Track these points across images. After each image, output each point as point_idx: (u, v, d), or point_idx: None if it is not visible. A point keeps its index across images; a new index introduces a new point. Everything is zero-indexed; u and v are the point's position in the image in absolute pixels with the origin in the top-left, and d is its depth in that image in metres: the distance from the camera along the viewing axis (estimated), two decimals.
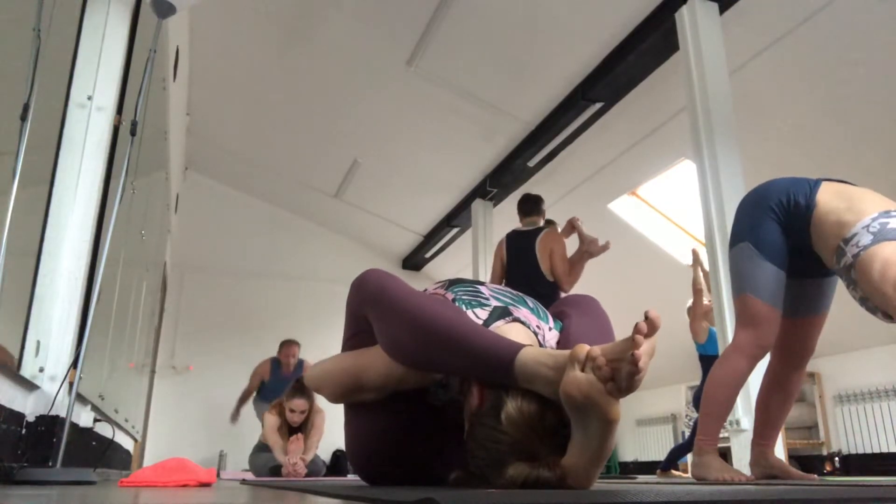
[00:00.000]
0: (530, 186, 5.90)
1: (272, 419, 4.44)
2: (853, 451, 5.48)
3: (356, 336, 1.46)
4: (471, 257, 6.71)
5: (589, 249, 3.87)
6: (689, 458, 5.09)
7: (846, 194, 1.95)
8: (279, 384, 5.53)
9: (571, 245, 4.00)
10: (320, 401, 4.53)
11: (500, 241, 4.20)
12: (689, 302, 4.88)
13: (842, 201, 1.94)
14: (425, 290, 1.52)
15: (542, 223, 4.08)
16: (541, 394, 1.09)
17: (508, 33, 4.54)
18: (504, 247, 4.10)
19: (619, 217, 5.91)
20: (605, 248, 3.89)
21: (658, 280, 5.95)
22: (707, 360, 4.71)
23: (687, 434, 6.81)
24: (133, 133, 2.47)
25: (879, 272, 1.75)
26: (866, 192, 1.96)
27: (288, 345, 5.79)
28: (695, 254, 4.86)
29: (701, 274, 4.79)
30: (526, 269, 3.90)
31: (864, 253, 1.80)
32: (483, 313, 1.37)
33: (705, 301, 4.74)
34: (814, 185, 2.01)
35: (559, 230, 4.06)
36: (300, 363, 5.74)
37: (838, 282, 2.11)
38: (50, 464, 2.06)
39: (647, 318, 0.98)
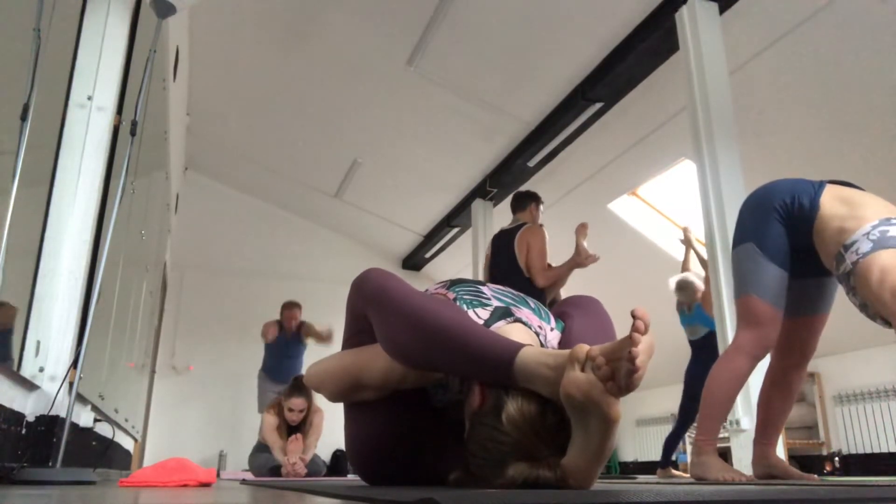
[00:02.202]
0: (530, 186, 5.89)
1: (271, 419, 4.44)
2: (853, 451, 5.48)
3: (357, 335, 1.46)
4: (471, 257, 6.71)
5: (578, 261, 3.84)
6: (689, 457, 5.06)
7: (849, 199, 1.95)
8: (282, 345, 5.88)
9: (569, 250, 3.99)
10: (318, 400, 4.53)
11: (490, 241, 4.24)
12: (676, 279, 4.86)
13: (844, 207, 1.94)
14: (426, 290, 1.52)
15: (528, 221, 4.08)
16: (541, 394, 1.09)
17: (508, 33, 4.54)
18: (490, 246, 4.14)
19: (619, 217, 5.92)
20: (592, 260, 3.88)
21: (658, 280, 5.94)
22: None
23: (687, 433, 6.81)
24: (133, 133, 2.47)
25: (878, 279, 1.76)
26: (869, 197, 1.96)
27: (290, 307, 5.95)
28: (687, 232, 4.90)
29: (694, 251, 4.84)
30: (504, 265, 3.90)
31: (863, 260, 1.81)
32: (484, 313, 1.37)
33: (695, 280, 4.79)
34: (818, 187, 2.01)
35: (544, 231, 4.06)
36: (301, 325, 5.96)
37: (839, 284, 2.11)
38: (50, 464, 2.06)
39: (635, 316, 0.98)
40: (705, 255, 4.63)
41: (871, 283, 1.77)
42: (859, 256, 1.82)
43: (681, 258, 5.16)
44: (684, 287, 4.82)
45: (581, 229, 3.95)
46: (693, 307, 4.83)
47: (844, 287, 1.92)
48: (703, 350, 4.60)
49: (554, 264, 3.93)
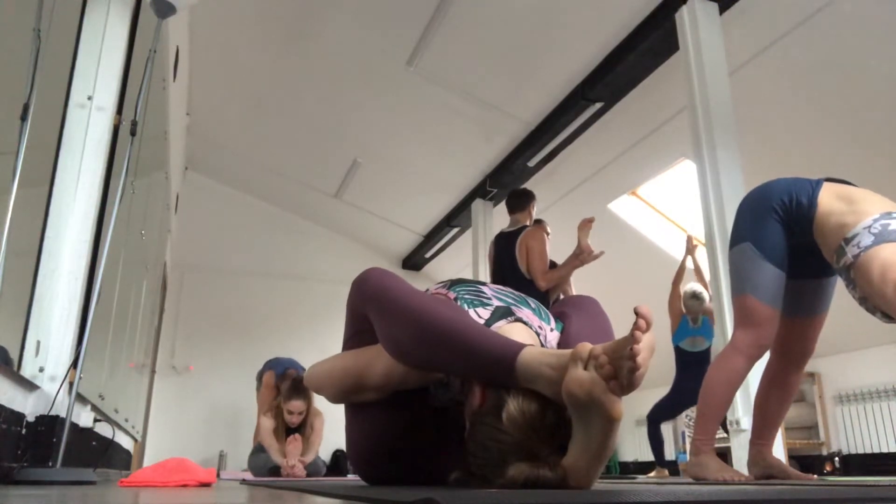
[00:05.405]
0: (530, 186, 5.89)
1: (268, 422, 4.41)
2: (853, 451, 5.48)
3: (357, 335, 1.46)
4: (471, 257, 6.71)
5: (580, 258, 3.80)
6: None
7: (847, 195, 1.95)
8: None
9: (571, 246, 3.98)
10: (318, 402, 4.51)
11: (491, 242, 4.22)
12: (694, 286, 4.89)
13: (843, 203, 1.94)
14: (427, 290, 1.52)
15: (527, 222, 4.07)
16: (542, 393, 1.09)
17: (508, 33, 4.54)
18: (492, 248, 4.13)
19: (619, 217, 5.91)
20: (596, 256, 3.84)
21: (658, 280, 5.95)
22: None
23: (687, 433, 6.82)
24: (133, 133, 2.47)
25: (879, 273, 1.76)
26: (868, 193, 1.96)
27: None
28: (690, 241, 4.95)
29: (693, 260, 4.89)
30: (506, 269, 3.91)
31: (864, 254, 1.80)
32: (485, 313, 1.37)
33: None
34: (815, 185, 2.02)
35: (547, 228, 4.04)
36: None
37: (838, 282, 2.11)
38: (50, 464, 2.05)
39: (638, 314, 0.99)
40: (703, 267, 4.68)
41: (873, 278, 1.77)
42: (860, 250, 1.82)
43: (676, 256, 5.19)
44: (700, 296, 4.83)
45: (584, 225, 3.86)
46: (700, 319, 4.85)
47: (844, 280, 1.92)
48: (704, 364, 4.61)
49: (557, 263, 3.94)
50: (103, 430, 3.03)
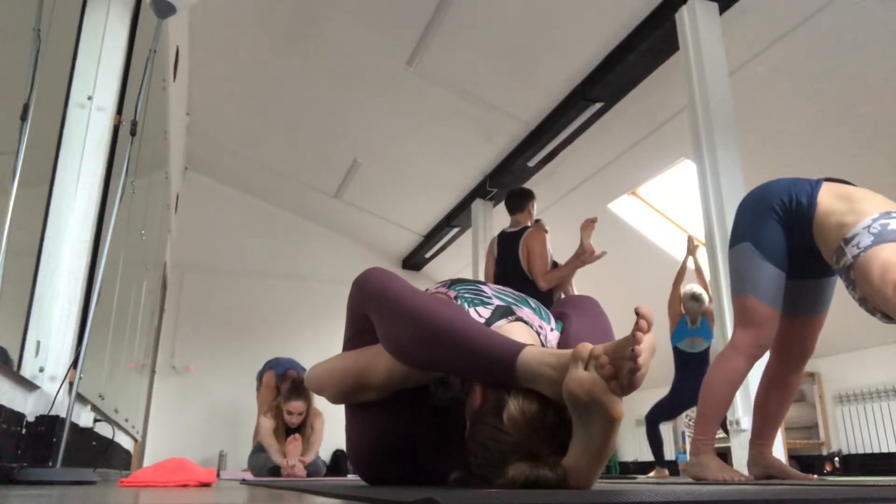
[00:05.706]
0: (530, 186, 5.89)
1: (267, 422, 4.41)
2: (853, 451, 5.48)
3: (357, 335, 1.46)
4: (471, 257, 6.71)
5: (582, 258, 3.81)
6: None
7: (847, 195, 1.95)
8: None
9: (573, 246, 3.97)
10: (318, 402, 4.51)
11: (492, 240, 4.21)
12: (694, 287, 4.91)
13: (842, 202, 1.93)
14: (427, 290, 1.52)
15: (528, 222, 4.08)
16: (542, 393, 1.09)
17: (508, 33, 4.54)
18: (495, 246, 4.12)
19: (619, 217, 5.92)
20: (598, 256, 3.85)
21: (658, 280, 5.95)
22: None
23: (687, 433, 6.82)
24: (133, 133, 2.47)
25: (879, 274, 1.75)
26: (867, 192, 1.96)
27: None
28: (691, 241, 4.96)
29: (694, 260, 4.90)
30: (510, 270, 3.92)
31: (863, 254, 1.80)
32: (486, 312, 1.37)
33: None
34: (815, 185, 2.02)
35: (546, 228, 4.05)
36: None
37: (837, 281, 2.11)
38: (50, 464, 2.05)
39: (638, 315, 0.99)
40: (704, 268, 4.68)
41: (873, 278, 1.77)
42: (860, 250, 1.81)
43: (676, 256, 5.20)
44: (699, 298, 4.85)
45: (587, 225, 3.88)
46: (699, 320, 4.86)
47: (844, 281, 1.92)
48: (703, 364, 4.63)
49: (559, 262, 3.95)
50: (103, 430, 3.04)
